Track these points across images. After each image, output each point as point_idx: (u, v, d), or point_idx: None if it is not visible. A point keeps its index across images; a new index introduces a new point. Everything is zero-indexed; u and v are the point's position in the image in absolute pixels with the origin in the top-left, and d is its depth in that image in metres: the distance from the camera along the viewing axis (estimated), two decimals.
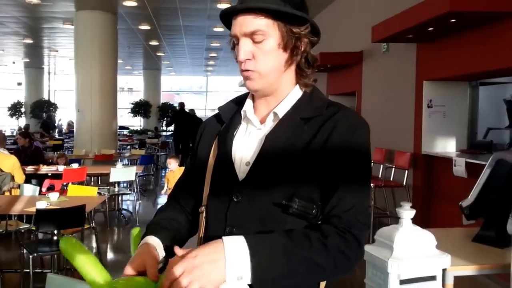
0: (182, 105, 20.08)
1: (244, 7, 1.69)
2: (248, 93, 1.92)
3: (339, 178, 1.66)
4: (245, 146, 1.81)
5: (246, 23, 1.70)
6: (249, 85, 1.78)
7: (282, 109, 1.79)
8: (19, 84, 33.81)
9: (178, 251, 1.50)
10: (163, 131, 32.05)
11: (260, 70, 1.73)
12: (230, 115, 1.92)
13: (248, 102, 1.88)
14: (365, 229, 1.66)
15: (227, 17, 1.81)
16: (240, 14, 1.72)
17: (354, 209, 1.63)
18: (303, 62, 1.80)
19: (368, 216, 1.71)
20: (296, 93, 1.83)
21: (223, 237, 1.51)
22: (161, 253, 1.73)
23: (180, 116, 19.59)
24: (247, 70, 1.74)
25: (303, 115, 1.76)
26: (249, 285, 1.48)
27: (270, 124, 1.80)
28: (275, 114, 1.79)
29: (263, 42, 1.71)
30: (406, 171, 8.87)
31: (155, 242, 1.76)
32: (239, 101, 1.95)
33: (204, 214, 1.85)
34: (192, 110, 20.09)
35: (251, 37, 1.71)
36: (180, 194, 2.04)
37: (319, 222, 1.65)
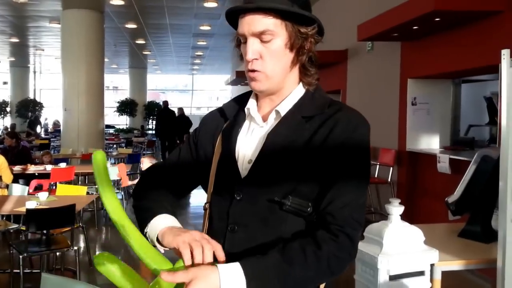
0: (166, 103, 20.16)
1: (254, 7, 1.68)
2: (251, 91, 1.91)
3: (336, 175, 1.66)
4: (248, 144, 1.81)
5: (255, 22, 1.69)
6: (255, 86, 1.77)
7: (285, 107, 1.79)
8: (5, 83, 33.49)
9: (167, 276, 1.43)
10: (149, 129, 32.00)
11: (266, 70, 1.72)
12: (234, 113, 1.92)
13: (252, 100, 1.88)
14: (359, 227, 1.65)
15: (232, 15, 1.79)
16: (248, 13, 1.70)
17: (349, 207, 1.63)
18: (307, 61, 1.79)
19: (363, 214, 1.69)
20: (299, 92, 1.82)
21: (219, 266, 1.47)
22: None
23: (165, 114, 19.68)
24: (254, 71, 1.73)
25: (304, 114, 1.76)
26: None
27: (272, 122, 1.80)
28: (277, 112, 1.79)
29: (270, 42, 1.70)
30: (391, 168, 8.99)
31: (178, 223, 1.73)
32: (242, 99, 1.94)
33: (208, 211, 1.86)
34: (180, 109, 20.17)
35: (259, 37, 1.70)
36: (171, 176, 1.99)
37: (314, 219, 1.66)
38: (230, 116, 1.92)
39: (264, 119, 1.84)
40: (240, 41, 1.79)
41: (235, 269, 1.48)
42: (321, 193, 1.67)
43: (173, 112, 19.55)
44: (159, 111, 21.76)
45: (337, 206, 1.63)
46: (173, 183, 1.97)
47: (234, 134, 1.85)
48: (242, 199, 1.73)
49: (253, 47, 1.71)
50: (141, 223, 1.77)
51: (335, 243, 1.58)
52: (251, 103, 1.88)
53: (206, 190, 1.89)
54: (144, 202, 1.86)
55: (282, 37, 1.70)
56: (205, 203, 1.88)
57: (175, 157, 2.04)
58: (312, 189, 1.68)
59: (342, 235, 1.59)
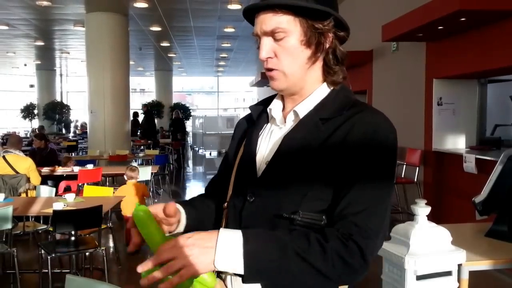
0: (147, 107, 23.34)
1: (264, 4, 1.65)
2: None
3: (351, 180, 1.56)
4: (267, 145, 1.77)
5: (266, 21, 1.65)
6: (274, 85, 1.73)
7: (304, 108, 1.73)
8: (32, 86, 33.66)
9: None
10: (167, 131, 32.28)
11: (283, 68, 1.67)
12: (258, 114, 1.89)
13: (276, 101, 1.84)
14: (372, 236, 1.52)
15: (251, 15, 1.76)
16: (261, 12, 1.67)
17: (364, 213, 1.52)
18: (330, 58, 1.72)
19: (381, 221, 1.56)
20: (322, 92, 1.75)
21: (221, 228, 1.51)
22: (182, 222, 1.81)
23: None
24: (271, 70, 1.69)
25: (322, 116, 1.67)
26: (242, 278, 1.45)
27: (290, 123, 1.75)
28: (296, 112, 1.73)
29: (284, 40, 1.64)
30: (417, 168, 8.97)
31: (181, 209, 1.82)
32: (269, 100, 1.90)
33: (225, 212, 1.82)
34: (176, 112, 23.39)
35: (272, 35, 1.66)
36: (217, 184, 2.02)
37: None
38: (255, 117, 1.90)
39: (285, 119, 1.79)
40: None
41: (235, 231, 1.49)
42: (335, 198, 1.58)
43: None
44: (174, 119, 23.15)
45: (349, 212, 1.53)
46: (219, 188, 1.97)
47: (255, 135, 1.82)
48: (253, 201, 1.68)
49: (265, 46, 1.68)
50: None
51: (343, 245, 1.47)
52: (275, 104, 1.84)
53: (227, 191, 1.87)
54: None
55: (296, 34, 1.65)
56: (225, 203, 1.84)
57: (222, 162, 2.08)
58: (326, 194, 1.59)
59: (351, 242, 1.47)
